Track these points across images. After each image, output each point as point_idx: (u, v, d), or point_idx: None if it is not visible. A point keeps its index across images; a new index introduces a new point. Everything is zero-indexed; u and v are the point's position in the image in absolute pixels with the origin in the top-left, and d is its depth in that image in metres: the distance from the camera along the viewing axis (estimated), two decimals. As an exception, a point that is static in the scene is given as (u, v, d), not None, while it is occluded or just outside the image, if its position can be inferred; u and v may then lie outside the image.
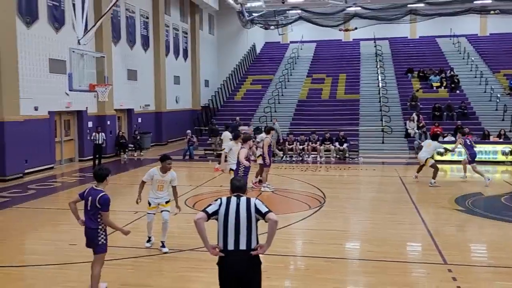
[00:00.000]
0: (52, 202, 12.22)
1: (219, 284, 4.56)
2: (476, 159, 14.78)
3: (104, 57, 16.13)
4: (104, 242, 6.08)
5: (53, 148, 18.15)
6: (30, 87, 16.75)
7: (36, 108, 17.01)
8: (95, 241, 6.02)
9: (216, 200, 4.62)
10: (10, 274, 7.16)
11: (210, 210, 4.51)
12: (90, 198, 6.04)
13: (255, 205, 4.50)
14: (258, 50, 37.80)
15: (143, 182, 8.02)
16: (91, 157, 18.82)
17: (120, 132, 22.25)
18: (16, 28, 15.66)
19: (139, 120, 24.98)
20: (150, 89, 26.32)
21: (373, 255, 7.81)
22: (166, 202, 8.10)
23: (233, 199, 4.55)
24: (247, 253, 4.40)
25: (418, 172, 14.89)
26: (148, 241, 8.24)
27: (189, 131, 22.39)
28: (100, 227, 6.03)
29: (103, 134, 18.54)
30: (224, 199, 4.57)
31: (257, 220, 4.49)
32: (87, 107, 20.18)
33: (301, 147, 20.65)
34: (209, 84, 35.18)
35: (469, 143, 14.77)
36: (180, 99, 30.06)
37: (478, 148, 16.87)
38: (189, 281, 6.73)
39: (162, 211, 8.05)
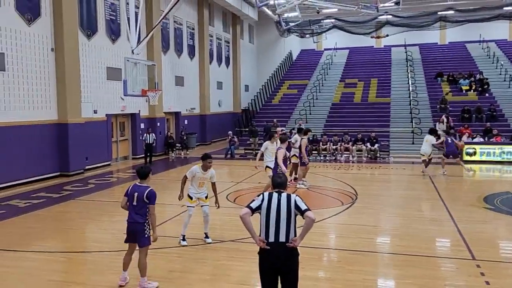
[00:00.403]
0: (109, 195, 12.62)
1: (260, 272, 4.57)
2: (450, 157, 15.49)
3: (154, 65, 16.49)
4: (149, 235, 6.07)
5: (110, 147, 18.72)
6: (90, 93, 17.35)
7: (95, 111, 17.59)
8: (142, 234, 6.00)
9: (258, 195, 4.65)
10: (73, 259, 7.47)
11: (254, 205, 4.55)
12: (136, 194, 6.03)
13: (295, 201, 4.51)
14: (294, 57, 37.66)
15: (186, 177, 7.98)
16: (143, 155, 19.29)
17: (169, 133, 22.66)
18: (78, 40, 16.24)
19: (186, 122, 25.38)
20: (195, 94, 26.70)
21: (402, 249, 7.65)
22: (206, 198, 8.17)
23: (275, 195, 4.56)
24: (286, 245, 4.42)
25: (426, 166, 15.41)
26: (183, 239, 7.97)
27: (230, 132, 22.58)
28: (146, 221, 6.03)
29: (153, 134, 18.96)
30: (266, 195, 4.59)
31: (295, 215, 4.50)
32: (139, 110, 20.69)
33: (334, 147, 20.44)
34: (249, 89, 35.34)
35: (450, 142, 15.41)
36: (222, 103, 30.34)
37: (508, 149, 16.61)
38: (229, 269, 6.80)
39: (202, 205, 8.11)
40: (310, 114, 26.10)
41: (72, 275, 6.71)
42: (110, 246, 7.96)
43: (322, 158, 20.15)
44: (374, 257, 7.38)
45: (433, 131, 16.02)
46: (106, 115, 18.32)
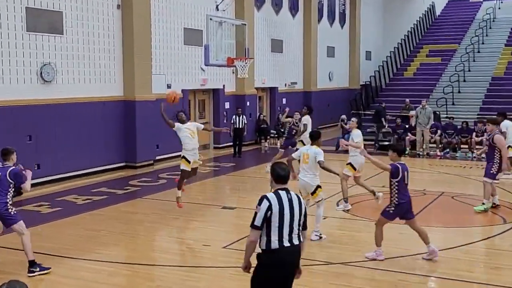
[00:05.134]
0: (184, 194, 13.17)
1: (264, 284, 5.02)
2: None
3: (245, 25, 16.74)
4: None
5: (186, 132, 19.48)
6: (163, 62, 18.21)
7: (169, 86, 18.37)
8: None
9: (259, 204, 5.01)
10: (138, 272, 7.99)
11: (258, 221, 4.98)
12: (406, 172, 8.00)
13: (305, 209, 5.24)
14: (438, 12, 36.14)
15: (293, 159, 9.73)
16: (228, 143, 19.82)
17: (261, 115, 23.05)
18: (149, -7, 17.10)
19: (284, 101, 25.60)
20: (297, 64, 26.84)
21: None
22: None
23: (283, 195, 5.08)
24: (299, 248, 5.12)
25: None
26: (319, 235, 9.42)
27: (343, 115, 22.36)
28: None
29: (243, 117, 19.38)
30: (272, 197, 5.03)
31: (303, 219, 5.18)
32: (224, 85, 21.31)
33: (494, 140, 19.31)
34: (371, 57, 34.67)
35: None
36: (334, 76, 30.12)
37: None
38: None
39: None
40: (459, 92, 24.97)
41: (138, 293, 7.17)
42: (183, 260, 8.38)
43: (475, 155, 19.17)
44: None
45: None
46: (182, 90, 19.08)
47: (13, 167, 7.83)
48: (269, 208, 4.92)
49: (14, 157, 7.95)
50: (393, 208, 8.07)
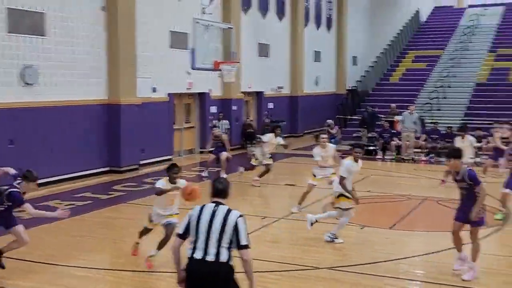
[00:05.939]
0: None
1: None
2: None
3: (231, 28, 16.84)
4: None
5: (171, 136, 19.53)
6: (148, 65, 18.12)
7: (154, 90, 18.39)
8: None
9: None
10: (124, 278, 7.98)
11: (181, 229, 5.12)
12: None
13: (237, 223, 4.93)
14: (423, 17, 36.51)
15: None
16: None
17: (248, 120, 23.10)
18: (135, -6, 17.06)
19: (270, 105, 25.67)
20: (284, 68, 26.91)
21: None
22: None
23: (209, 206, 5.05)
24: (215, 265, 4.84)
25: None
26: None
27: (330, 120, 22.43)
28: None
29: (225, 121, 19.36)
30: (196, 208, 5.08)
31: (231, 236, 4.89)
32: (210, 89, 21.30)
33: (478, 145, 19.50)
34: (357, 62, 34.84)
35: None
36: (321, 80, 30.23)
37: None
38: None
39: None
40: (445, 98, 25.23)
41: (123, 300, 7.15)
42: (169, 266, 8.31)
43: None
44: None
45: None
46: (168, 94, 19.08)
47: (16, 190, 7.73)
48: (189, 217, 5.06)
49: (30, 185, 7.91)
50: (483, 213, 7.75)
